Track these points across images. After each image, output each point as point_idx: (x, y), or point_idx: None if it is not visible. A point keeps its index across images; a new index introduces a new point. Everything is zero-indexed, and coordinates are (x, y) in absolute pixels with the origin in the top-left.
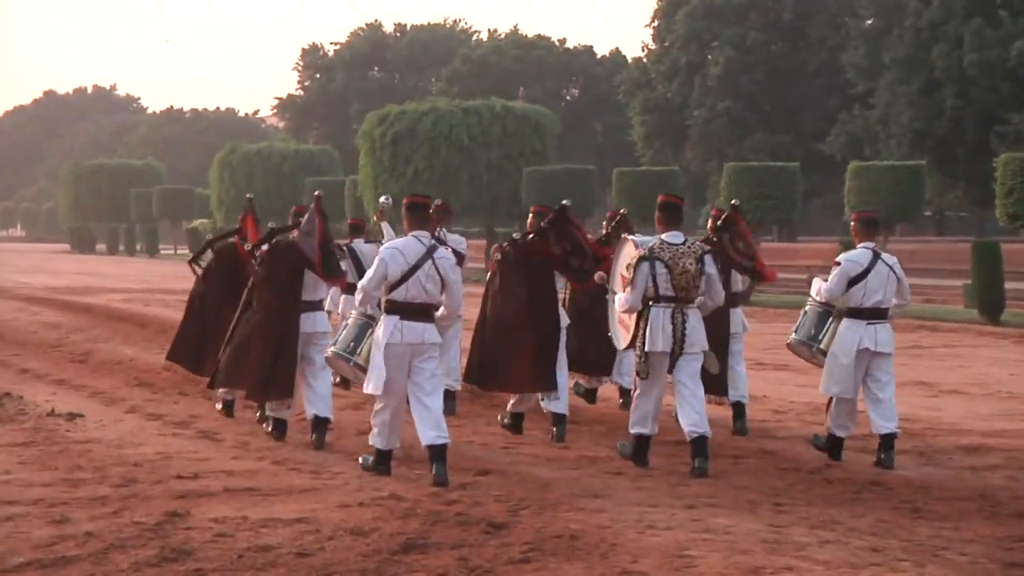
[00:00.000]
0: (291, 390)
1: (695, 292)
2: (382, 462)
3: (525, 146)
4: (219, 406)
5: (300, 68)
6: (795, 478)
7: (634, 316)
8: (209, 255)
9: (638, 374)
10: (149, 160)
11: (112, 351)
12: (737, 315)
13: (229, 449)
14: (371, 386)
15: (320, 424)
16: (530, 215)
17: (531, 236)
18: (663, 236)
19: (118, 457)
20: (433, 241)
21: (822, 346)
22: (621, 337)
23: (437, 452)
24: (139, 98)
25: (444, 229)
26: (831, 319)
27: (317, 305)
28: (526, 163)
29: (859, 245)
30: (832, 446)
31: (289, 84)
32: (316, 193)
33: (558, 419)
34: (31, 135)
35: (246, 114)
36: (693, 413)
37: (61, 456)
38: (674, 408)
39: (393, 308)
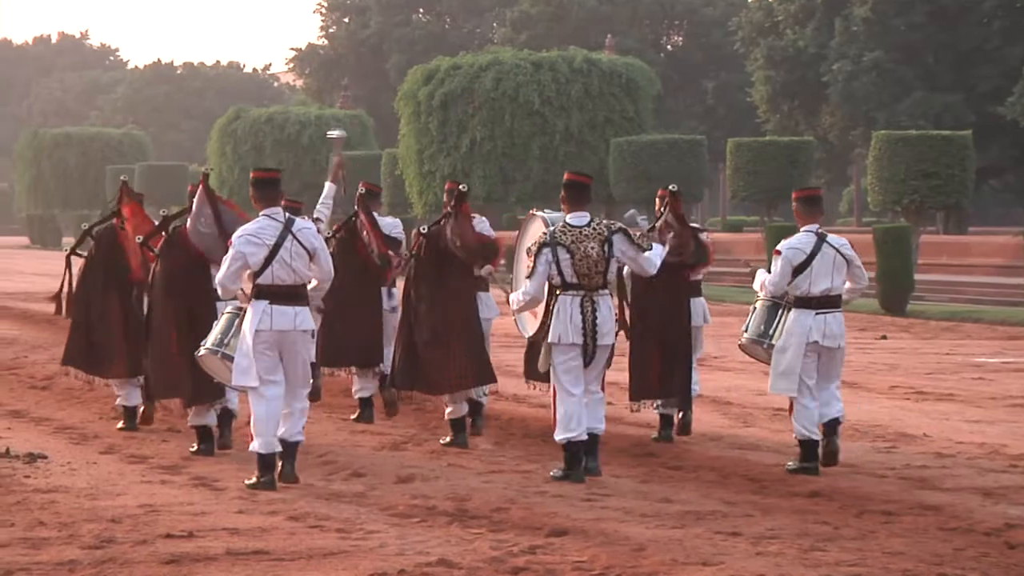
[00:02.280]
0: (222, 391)
1: (601, 278)
2: (266, 471)
3: (613, 110)
4: (120, 423)
5: (323, 11)
6: (965, 542)
7: (543, 304)
8: (89, 244)
9: (539, 367)
10: (130, 129)
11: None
12: (699, 305)
13: (232, 500)
14: (239, 378)
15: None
16: (445, 191)
17: (440, 222)
18: (567, 217)
19: (91, 511)
20: (288, 215)
21: (774, 341)
22: (528, 323)
23: (290, 449)
24: (117, 50)
25: (375, 213)
26: (781, 311)
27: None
28: (615, 132)
29: (802, 229)
30: (805, 455)
31: (309, 31)
32: (204, 169)
33: (475, 408)
34: None
35: (254, 70)
36: (591, 410)
37: (18, 509)
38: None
39: (261, 293)
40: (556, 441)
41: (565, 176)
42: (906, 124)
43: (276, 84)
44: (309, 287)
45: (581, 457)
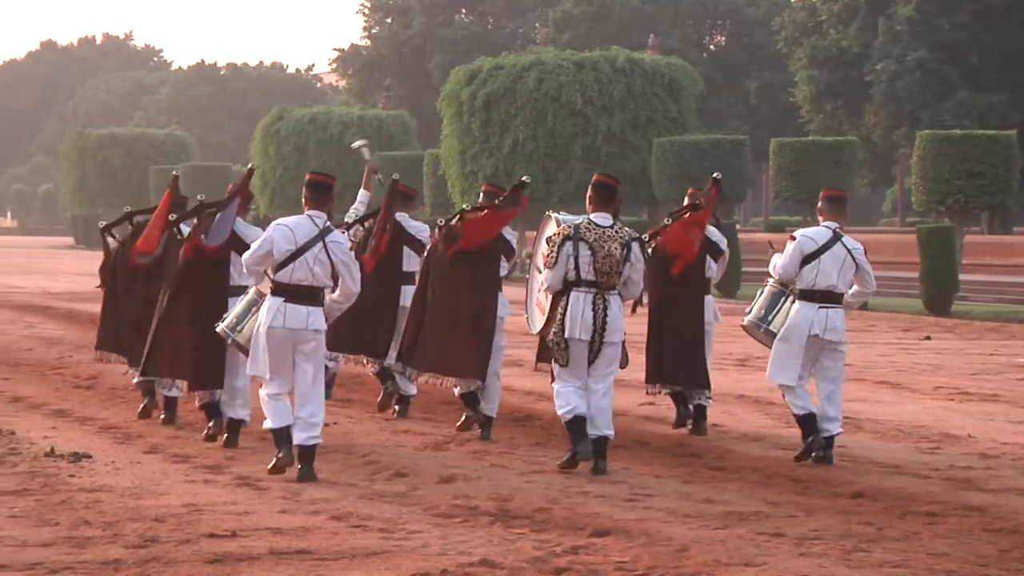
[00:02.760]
0: (221, 380)
1: (616, 278)
2: (280, 445)
3: (656, 110)
4: (140, 409)
5: (366, 11)
6: (1010, 542)
7: (551, 298)
8: (127, 229)
9: (556, 361)
10: (174, 129)
11: (127, 374)
12: (709, 304)
13: (275, 500)
14: (252, 368)
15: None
16: (481, 194)
17: (482, 213)
18: (592, 216)
19: (135, 510)
20: (328, 223)
21: (771, 327)
22: (536, 318)
23: (307, 453)
24: (161, 50)
25: (406, 215)
26: (783, 299)
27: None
28: (657, 132)
29: (822, 224)
30: (807, 430)
31: (352, 32)
32: (250, 166)
33: (487, 421)
34: (25, 98)
35: (297, 70)
36: (600, 415)
37: (63, 508)
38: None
39: (277, 290)
40: (560, 418)
41: (594, 177)
42: (950, 124)
43: (319, 85)
44: (331, 297)
45: (584, 432)
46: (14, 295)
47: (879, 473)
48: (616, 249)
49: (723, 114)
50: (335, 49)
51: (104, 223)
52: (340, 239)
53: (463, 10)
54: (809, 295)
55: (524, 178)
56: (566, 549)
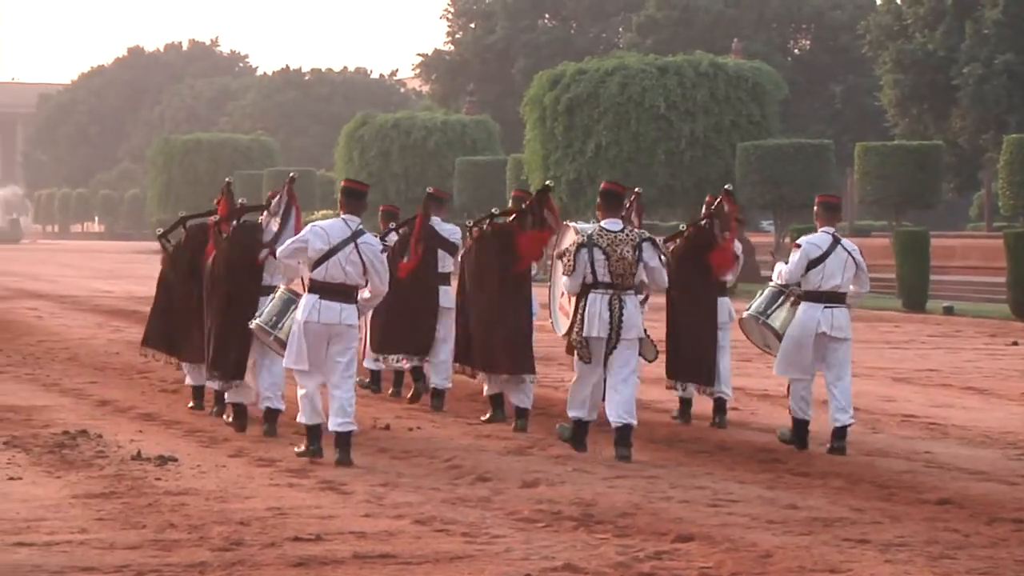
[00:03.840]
0: (242, 372)
1: (631, 279)
2: (313, 440)
3: (740, 114)
4: (191, 403)
5: (450, 16)
6: None
7: (574, 302)
8: (180, 233)
9: (580, 358)
10: (259, 134)
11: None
12: (724, 304)
13: (359, 504)
14: (290, 360)
15: (271, 415)
16: (511, 199)
17: (511, 218)
18: (602, 223)
19: (220, 513)
20: (360, 226)
21: (769, 320)
22: (561, 322)
23: (343, 439)
24: (246, 56)
25: (438, 218)
26: (783, 298)
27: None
28: (741, 136)
29: (820, 229)
30: (797, 433)
31: (436, 37)
32: (291, 175)
33: (521, 412)
34: (112, 104)
35: (381, 75)
36: (621, 401)
37: (149, 511)
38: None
39: (313, 287)
40: (569, 415)
41: (602, 185)
42: None
43: (402, 90)
44: (362, 296)
45: (587, 433)
46: (102, 299)
47: (966, 479)
48: (628, 252)
49: (807, 118)
50: (419, 54)
51: (161, 230)
52: (372, 241)
53: (547, 15)
54: (815, 296)
55: (548, 182)
56: (649, 554)
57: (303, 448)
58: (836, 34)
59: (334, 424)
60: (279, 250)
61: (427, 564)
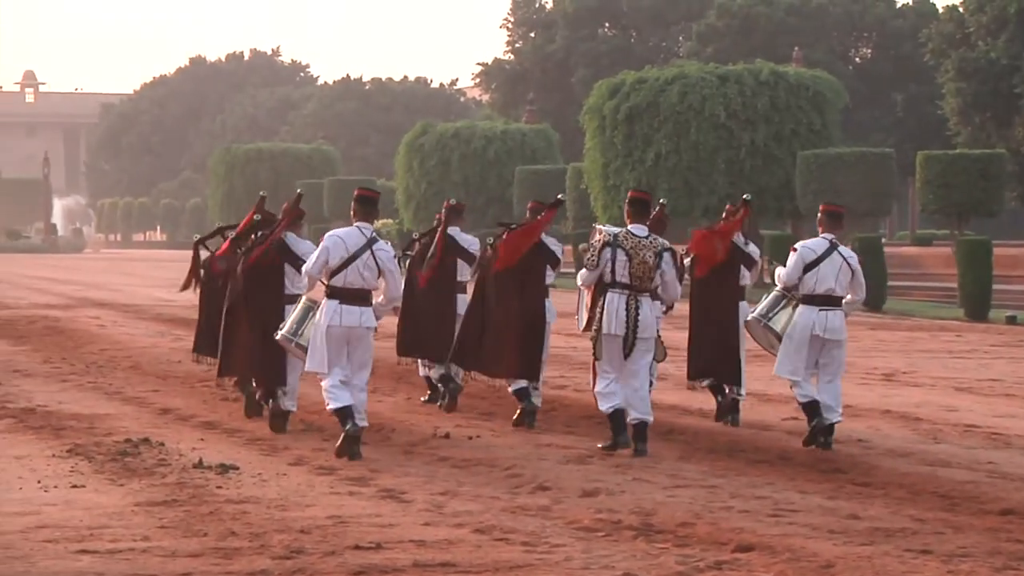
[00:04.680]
0: (283, 377)
1: (649, 283)
2: (345, 421)
3: (800, 123)
4: (244, 410)
5: (510, 25)
6: None
7: (591, 298)
8: (219, 241)
9: (594, 353)
10: (319, 144)
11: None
12: (744, 309)
13: (419, 512)
14: (312, 364)
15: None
16: (527, 211)
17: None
18: (629, 227)
19: (281, 521)
20: (375, 233)
21: (771, 323)
22: (583, 318)
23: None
24: (307, 65)
25: (458, 228)
26: (784, 302)
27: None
28: (802, 145)
29: (820, 235)
30: (810, 414)
31: (496, 46)
32: (299, 192)
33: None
34: (174, 114)
35: (441, 85)
36: (639, 400)
37: (211, 519)
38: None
39: (333, 293)
40: (602, 411)
41: (629, 193)
42: None
43: (462, 99)
44: (377, 301)
45: (624, 424)
46: (164, 308)
47: None
48: (650, 257)
49: (869, 127)
50: (479, 64)
51: (198, 236)
52: (385, 247)
53: (606, 24)
54: (811, 299)
55: (560, 196)
56: (709, 564)
57: (339, 443)
58: (898, 42)
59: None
60: (307, 268)
61: (487, 573)
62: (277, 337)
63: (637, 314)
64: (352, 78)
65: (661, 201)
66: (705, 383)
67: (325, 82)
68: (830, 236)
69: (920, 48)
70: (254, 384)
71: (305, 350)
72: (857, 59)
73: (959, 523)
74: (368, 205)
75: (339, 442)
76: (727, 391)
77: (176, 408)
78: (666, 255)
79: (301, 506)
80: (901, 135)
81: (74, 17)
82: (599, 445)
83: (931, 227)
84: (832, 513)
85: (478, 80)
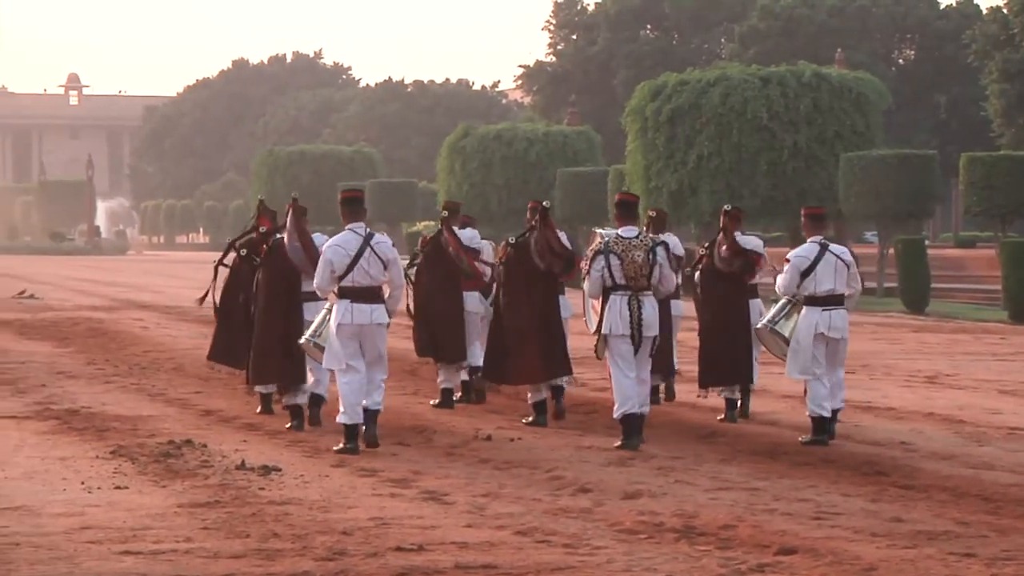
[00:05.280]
0: (303, 376)
1: (645, 281)
2: (351, 439)
3: (843, 125)
4: (259, 409)
5: (552, 27)
6: None
7: (599, 302)
8: (233, 255)
9: (596, 353)
10: (361, 146)
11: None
12: (756, 306)
13: (461, 514)
14: (328, 362)
15: (315, 401)
16: (528, 209)
17: (525, 235)
18: (619, 231)
19: (323, 523)
20: (368, 230)
21: (777, 327)
22: (593, 322)
23: (370, 415)
24: (350, 68)
25: (456, 227)
26: (789, 307)
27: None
28: (844, 147)
29: (808, 240)
30: (816, 430)
31: (538, 48)
32: (293, 195)
33: (557, 391)
34: (217, 116)
35: (483, 87)
36: (640, 396)
37: (253, 520)
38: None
39: (344, 293)
40: (615, 417)
41: (617, 196)
42: None
43: (504, 101)
44: (385, 294)
45: (638, 428)
46: (207, 310)
47: None
48: (640, 256)
49: (911, 129)
50: (520, 66)
51: (216, 260)
52: (383, 239)
53: (648, 26)
54: (813, 300)
55: (544, 202)
56: (752, 567)
57: (341, 445)
58: (941, 44)
59: (365, 402)
60: (317, 285)
61: (528, 575)
62: (302, 342)
63: (640, 313)
64: (394, 80)
65: (726, 207)
66: (719, 391)
67: (367, 84)
68: (818, 238)
69: (963, 49)
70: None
71: (323, 350)
72: (900, 61)
73: (1003, 526)
74: (355, 205)
75: (341, 446)
76: (742, 390)
77: (219, 410)
78: (658, 249)
79: (343, 507)
80: (944, 137)
81: (117, 20)
82: (615, 445)
83: (974, 229)
84: (875, 516)
85: (520, 82)
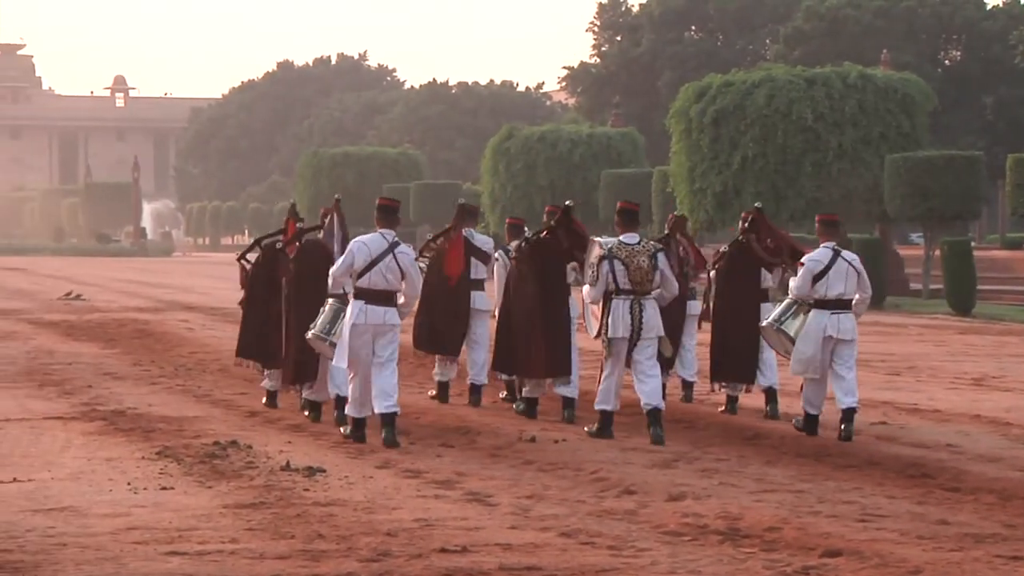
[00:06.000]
0: (315, 373)
1: (649, 285)
2: (358, 428)
3: (889, 126)
4: (264, 400)
5: (596, 29)
6: None
7: (601, 306)
8: (256, 252)
9: (607, 356)
10: (406, 148)
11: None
12: (767, 309)
13: (505, 516)
14: (339, 360)
15: (387, 419)
16: (544, 215)
17: (543, 234)
18: (621, 237)
19: (368, 524)
20: (396, 238)
21: (783, 327)
22: (593, 326)
23: (387, 419)
24: (394, 70)
25: (472, 230)
26: (796, 307)
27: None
28: (890, 148)
29: (822, 245)
30: (808, 424)
31: (582, 50)
32: (336, 197)
33: (567, 403)
34: (262, 118)
35: (527, 88)
36: (649, 389)
37: (298, 522)
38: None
39: (359, 294)
40: (596, 409)
41: (618, 204)
42: None
43: (548, 103)
44: (399, 300)
45: (611, 423)
46: None
47: None
48: (644, 261)
49: (958, 130)
50: (564, 67)
51: (239, 253)
52: (406, 250)
53: (693, 27)
54: (823, 304)
55: (568, 202)
56: (797, 569)
57: (348, 431)
58: (988, 44)
59: (380, 407)
60: (333, 270)
61: None
62: (308, 336)
63: (641, 316)
64: (438, 82)
65: (756, 204)
66: (725, 387)
67: (411, 86)
68: (831, 244)
69: (1010, 50)
70: (283, 383)
71: (335, 347)
72: (946, 61)
73: None
74: (389, 213)
75: (348, 431)
76: (745, 389)
77: (264, 411)
78: (660, 255)
79: (388, 509)
80: (991, 138)
81: (163, 23)
82: (585, 428)
83: (1021, 231)
84: (921, 518)
85: (564, 83)
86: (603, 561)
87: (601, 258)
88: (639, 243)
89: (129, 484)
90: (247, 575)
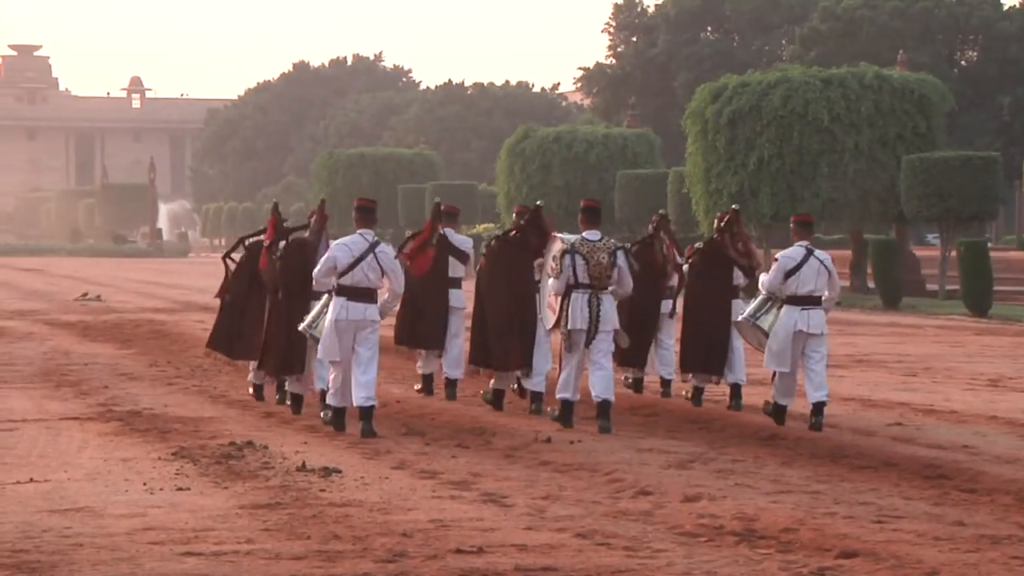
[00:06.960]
0: (303, 366)
1: (607, 281)
2: (337, 417)
3: (905, 127)
4: (251, 390)
5: (611, 29)
6: None
7: (559, 300)
8: (241, 251)
9: (565, 348)
10: (421, 148)
11: (378, 391)
12: (738, 305)
13: (521, 516)
14: (324, 352)
15: (365, 413)
16: (514, 214)
17: (513, 233)
18: (584, 234)
19: (383, 525)
20: (375, 238)
21: (758, 322)
22: (549, 318)
23: (365, 412)
24: (410, 71)
25: (451, 230)
26: (770, 303)
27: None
28: (906, 149)
29: (796, 244)
30: (776, 413)
31: (597, 50)
32: (321, 199)
33: (535, 396)
34: (278, 119)
35: (543, 89)
36: (601, 383)
37: (314, 522)
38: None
39: (342, 291)
40: (556, 397)
41: (582, 203)
42: None
43: (564, 103)
44: (382, 297)
45: (572, 412)
46: None
47: None
48: (604, 258)
49: (974, 130)
50: (580, 68)
51: (224, 252)
52: (386, 249)
53: (708, 28)
54: (794, 300)
55: (538, 202)
56: (813, 570)
57: (328, 417)
58: (1004, 45)
59: (358, 399)
60: (315, 273)
61: None
62: (300, 328)
63: (599, 309)
64: (454, 83)
65: (734, 206)
66: (691, 378)
67: (427, 87)
68: (805, 243)
69: None
70: (269, 375)
71: (318, 340)
72: (963, 62)
73: None
74: (367, 213)
75: (328, 417)
76: (713, 380)
77: (279, 411)
78: (619, 253)
79: (403, 509)
80: (1007, 139)
81: (179, 24)
82: (549, 408)
83: None
84: (937, 520)
85: (580, 84)
86: (619, 562)
87: (563, 252)
88: (601, 240)
89: (145, 485)
90: (263, 575)
